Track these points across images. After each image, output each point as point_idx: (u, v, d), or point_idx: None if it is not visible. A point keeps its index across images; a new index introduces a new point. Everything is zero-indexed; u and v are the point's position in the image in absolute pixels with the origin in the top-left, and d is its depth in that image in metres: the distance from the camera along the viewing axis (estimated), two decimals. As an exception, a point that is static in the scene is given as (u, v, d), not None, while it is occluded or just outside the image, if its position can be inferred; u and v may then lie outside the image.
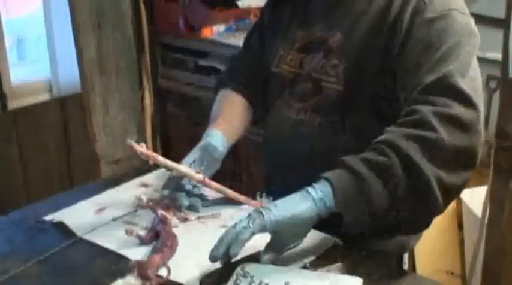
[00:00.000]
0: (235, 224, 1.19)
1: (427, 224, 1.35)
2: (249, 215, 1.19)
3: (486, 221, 1.94)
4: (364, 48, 1.42)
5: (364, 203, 1.22)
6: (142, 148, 1.36)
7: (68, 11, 1.62)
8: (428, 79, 1.29)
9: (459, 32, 1.34)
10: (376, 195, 1.21)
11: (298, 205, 1.21)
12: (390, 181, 1.21)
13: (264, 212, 1.18)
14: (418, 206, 1.24)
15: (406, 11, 1.37)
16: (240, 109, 1.67)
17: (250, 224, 1.17)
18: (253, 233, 1.17)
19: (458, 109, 1.24)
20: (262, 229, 1.18)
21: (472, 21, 1.39)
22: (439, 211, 1.28)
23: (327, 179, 1.22)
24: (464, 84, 1.27)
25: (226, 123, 1.60)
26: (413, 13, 1.37)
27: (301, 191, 1.23)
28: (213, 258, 1.19)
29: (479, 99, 1.29)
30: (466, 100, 1.26)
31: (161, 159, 1.38)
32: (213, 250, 1.18)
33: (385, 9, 1.41)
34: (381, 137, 1.26)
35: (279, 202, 1.22)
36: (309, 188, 1.22)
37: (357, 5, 1.46)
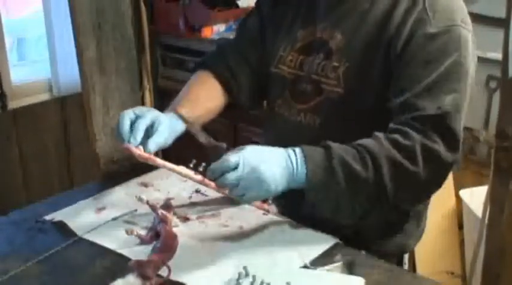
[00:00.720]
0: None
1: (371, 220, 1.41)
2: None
3: (486, 221, 1.93)
4: (364, 51, 1.42)
5: (327, 196, 1.31)
6: (139, 151, 1.36)
7: (67, 11, 1.62)
8: (429, 111, 1.32)
9: (460, 49, 1.34)
10: (339, 195, 1.30)
11: (275, 166, 1.27)
12: (357, 191, 1.30)
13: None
14: (369, 211, 1.35)
15: (408, 20, 1.36)
16: (210, 91, 1.63)
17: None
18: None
19: (443, 151, 1.31)
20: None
21: (471, 35, 1.39)
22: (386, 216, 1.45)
23: (305, 157, 1.29)
24: (457, 123, 1.33)
25: (190, 107, 1.54)
26: (415, 23, 1.36)
27: (283, 156, 1.29)
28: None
29: (462, 120, 1.36)
30: (454, 144, 1.33)
31: (159, 161, 1.37)
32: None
33: (387, 14, 1.40)
34: (369, 144, 1.31)
35: (257, 158, 1.28)
36: (290, 159, 1.29)
37: (359, 6, 1.45)
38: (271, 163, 1.27)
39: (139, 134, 1.36)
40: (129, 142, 1.35)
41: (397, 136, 1.31)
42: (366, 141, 1.32)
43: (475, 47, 1.40)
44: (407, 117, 1.33)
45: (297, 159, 1.29)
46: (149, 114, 1.40)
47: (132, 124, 1.38)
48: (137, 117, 1.39)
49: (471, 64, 1.37)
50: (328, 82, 1.46)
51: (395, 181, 1.29)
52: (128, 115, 1.39)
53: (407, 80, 1.35)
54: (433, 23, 1.35)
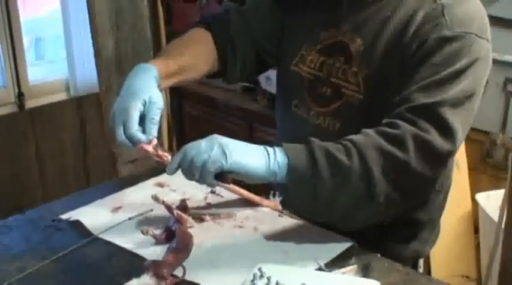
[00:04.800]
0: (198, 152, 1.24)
1: (361, 225, 1.35)
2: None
3: (503, 225, 1.93)
4: (383, 58, 1.40)
5: (309, 191, 1.26)
6: (154, 150, 1.35)
7: (85, 11, 1.63)
8: (420, 101, 1.29)
9: (470, 57, 1.31)
10: (322, 188, 1.25)
11: (254, 163, 1.24)
12: (342, 183, 1.25)
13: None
14: (357, 209, 1.29)
15: (424, 27, 1.35)
16: (199, 53, 1.56)
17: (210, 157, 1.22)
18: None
19: (436, 139, 1.27)
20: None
21: (489, 45, 1.36)
22: (377, 220, 1.35)
23: (286, 154, 1.26)
24: (452, 116, 1.28)
25: (169, 62, 1.46)
26: (431, 27, 1.34)
27: (261, 151, 1.26)
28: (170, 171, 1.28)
29: (465, 132, 1.33)
30: (447, 133, 1.28)
31: None
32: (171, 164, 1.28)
33: (408, 20, 1.37)
34: (355, 137, 1.29)
35: (237, 151, 1.25)
36: (269, 153, 1.26)
37: (381, 13, 1.42)
38: (243, 144, 1.27)
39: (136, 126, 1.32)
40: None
41: (385, 128, 1.29)
42: (353, 136, 1.30)
43: (490, 56, 1.37)
44: (401, 109, 1.30)
45: (274, 150, 1.26)
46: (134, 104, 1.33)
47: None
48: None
49: (485, 72, 1.35)
50: (349, 86, 1.44)
51: (384, 171, 1.25)
52: (134, 113, 1.33)
53: (412, 80, 1.32)
54: (449, 26, 1.33)
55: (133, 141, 1.30)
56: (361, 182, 1.25)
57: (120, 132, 1.30)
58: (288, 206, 1.34)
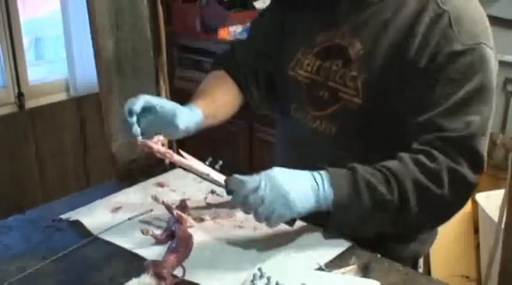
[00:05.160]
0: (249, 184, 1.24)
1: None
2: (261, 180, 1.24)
3: (502, 225, 1.92)
4: (384, 63, 1.38)
5: (350, 218, 1.30)
6: (157, 145, 1.36)
7: (85, 11, 1.63)
8: (451, 131, 1.30)
9: (485, 70, 1.32)
10: (362, 216, 1.30)
11: (306, 204, 1.27)
12: (382, 213, 1.30)
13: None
14: (389, 229, 1.35)
15: (433, 37, 1.33)
16: (227, 90, 1.60)
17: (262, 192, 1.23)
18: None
19: (469, 172, 1.31)
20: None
21: (494, 52, 1.37)
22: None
23: (332, 185, 1.28)
24: (482, 146, 1.33)
25: (207, 101, 1.51)
26: (441, 40, 1.33)
27: (307, 176, 1.28)
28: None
29: (487, 141, 1.37)
30: (479, 164, 1.33)
31: (176, 157, 1.37)
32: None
33: (410, 26, 1.36)
34: (393, 166, 1.31)
35: (287, 182, 1.25)
36: (315, 179, 1.28)
37: (381, 14, 1.41)
38: (296, 182, 1.27)
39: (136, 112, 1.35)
40: (132, 123, 1.34)
41: (422, 158, 1.30)
42: (391, 163, 1.31)
43: (496, 63, 1.38)
44: (432, 137, 1.31)
45: (322, 180, 1.28)
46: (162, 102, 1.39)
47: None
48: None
49: (494, 83, 1.36)
50: (347, 91, 1.43)
51: (420, 205, 1.29)
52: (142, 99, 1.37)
53: (431, 98, 1.32)
54: (459, 39, 1.32)
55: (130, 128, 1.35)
56: (397, 213, 1.30)
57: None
58: (330, 228, 1.36)
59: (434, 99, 1.32)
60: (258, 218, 1.25)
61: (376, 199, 1.28)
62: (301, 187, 1.26)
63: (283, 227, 1.39)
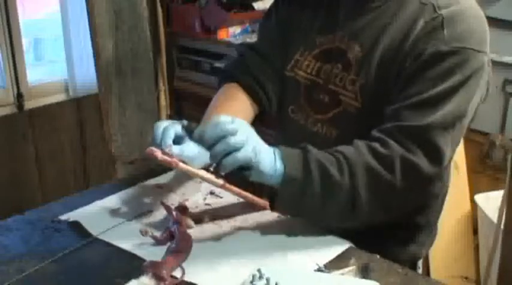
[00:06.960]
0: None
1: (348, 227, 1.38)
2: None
3: (502, 226, 1.93)
4: (380, 68, 1.39)
5: (297, 198, 1.29)
6: (164, 156, 1.35)
7: (84, 12, 1.63)
8: (411, 121, 1.30)
9: (463, 75, 1.31)
10: (311, 197, 1.29)
11: (265, 165, 1.25)
12: (331, 195, 1.29)
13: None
14: (342, 219, 1.34)
15: (423, 39, 1.34)
16: (239, 105, 1.60)
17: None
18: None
19: (423, 162, 1.30)
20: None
21: (486, 58, 1.36)
22: (362, 226, 1.36)
23: (283, 159, 1.27)
24: (442, 139, 1.31)
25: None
26: (429, 40, 1.34)
27: (271, 153, 1.27)
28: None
29: (454, 150, 1.36)
30: (436, 157, 1.31)
31: (182, 165, 1.36)
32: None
33: (407, 29, 1.37)
34: (347, 151, 1.31)
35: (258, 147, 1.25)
36: (274, 156, 1.27)
37: (380, 19, 1.42)
38: (262, 142, 1.28)
39: (169, 139, 1.35)
40: (159, 145, 1.34)
41: (376, 145, 1.31)
42: (345, 148, 1.32)
43: (486, 68, 1.37)
44: (390, 126, 1.32)
45: (276, 153, 1.28)
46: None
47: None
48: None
49: (477, 89, 1.35)
50: (347, 94, 1.44)
51: (371, 190, 1.29)
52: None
53: (406, 93, 1.33)
54: (446, 42, 1.32)
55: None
56: (347, 197, 1.29)
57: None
58: (275, 208, 1.37)
59: (407, 93, 1.33)
60: (226, 146, 1.21)
61: (325, 180, 1.28)
62: (265, 148, 1.27)
63: (283, 227, 1.40)
